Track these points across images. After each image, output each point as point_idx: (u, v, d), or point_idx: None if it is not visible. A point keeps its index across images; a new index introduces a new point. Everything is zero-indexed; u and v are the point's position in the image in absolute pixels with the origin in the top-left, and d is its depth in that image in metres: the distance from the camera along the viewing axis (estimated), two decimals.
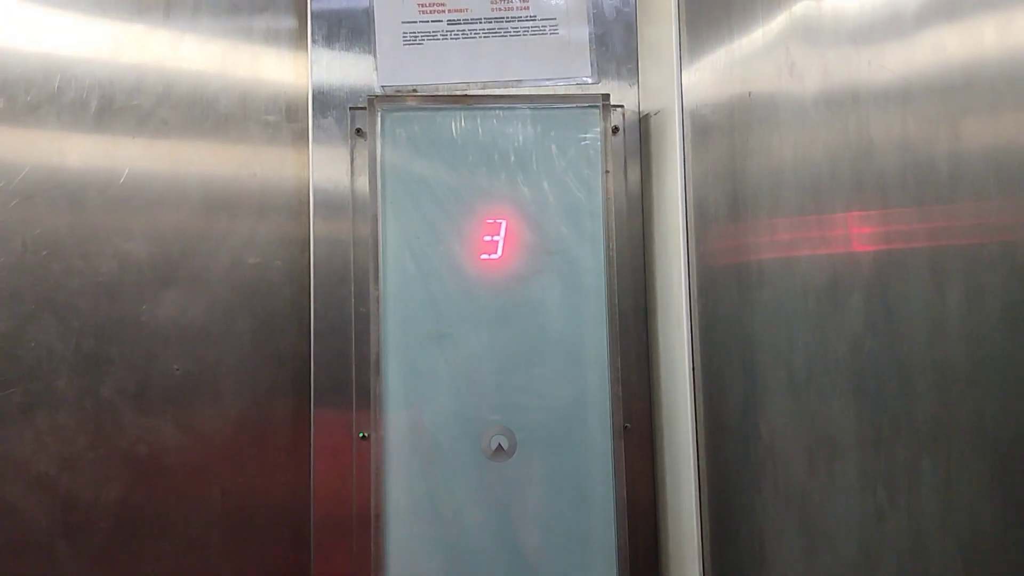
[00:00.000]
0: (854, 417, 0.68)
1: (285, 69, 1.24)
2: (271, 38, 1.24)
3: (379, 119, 1.15)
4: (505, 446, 1.13)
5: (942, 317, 0.57)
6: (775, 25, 0.86)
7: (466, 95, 1.19)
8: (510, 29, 1.22)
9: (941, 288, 0.57)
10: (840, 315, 0.70)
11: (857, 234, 0.69)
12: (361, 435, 1.15)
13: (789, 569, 0.82)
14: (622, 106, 1.22)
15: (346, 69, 1.21)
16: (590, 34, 1.23)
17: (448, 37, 1.22)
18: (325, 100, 1.21)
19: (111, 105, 1.20)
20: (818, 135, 0.75)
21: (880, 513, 0.64)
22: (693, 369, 1.08)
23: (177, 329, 1.19)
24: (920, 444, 0.59)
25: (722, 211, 0.99)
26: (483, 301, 1.15)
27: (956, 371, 0.56)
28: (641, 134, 1.22)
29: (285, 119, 1.24)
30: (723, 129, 0.99)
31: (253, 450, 1.20)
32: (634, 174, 1.22)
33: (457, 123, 1.16)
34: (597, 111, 1.16)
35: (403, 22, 1.21)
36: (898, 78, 0.63)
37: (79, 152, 1.19)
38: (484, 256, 1.15)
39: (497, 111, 1.17)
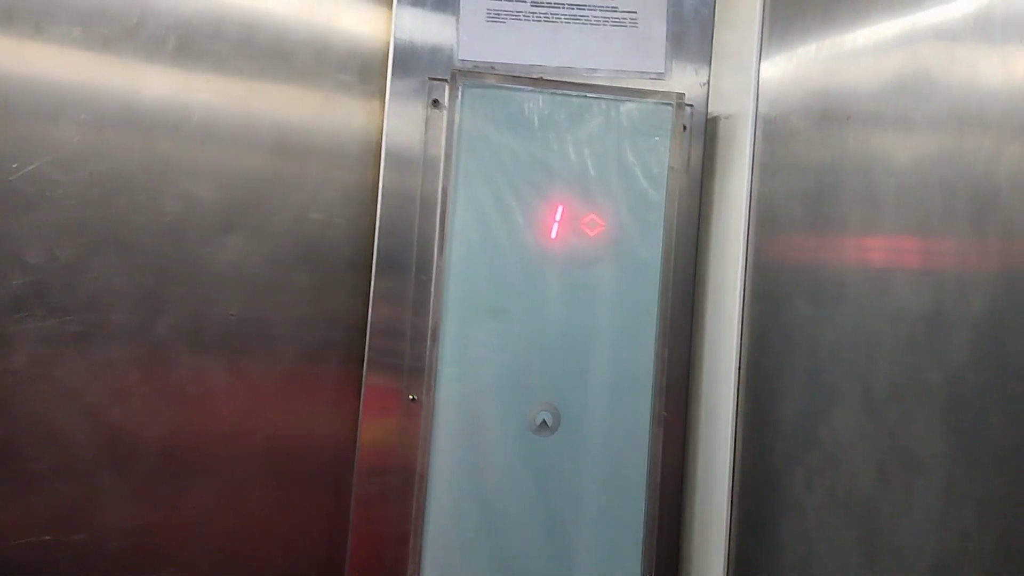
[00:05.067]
0: (941, 443, 0.74)
1: (364, 28, 1.25)
2: None
3: (460, 93, 1.17)
4: (550, 422, 1.18)
5: None
6: (883, 34, 0.90)
7: (543, 79, 1.22)
8: (591, 17, 1.25)
9: None
10: (939, 343, 0.75)
11: (970, 265, 0.74)
12: (411, 398, 1.19)
13: (843, 567, 0.88)
14: (692, 105, 1.25)
15: (426, 35, 1.23)
16: (667, 31, 1.26)
17: (531, 19, 1.24)
18: (404, 66, 1.22)
19: (188, 46, 1.20)
20: (932, 163, 0.80)
21: (961, 535, 0.70)
22: (739, 368, 1.13)
23: (236, 275, 1.21)
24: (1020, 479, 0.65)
25: (796, 222, 1.04)
26: (541, 281, 1.19)
27: None
28: (707, 135, 1.26)
29: (359, 80, 1.25)
30: (807, 141, 1.03)
31: (302, 401, 1.23)
32: (695, 172, 1.26)
33: (533, 104, 1.19)
34: (671, 109, 1.20)
35: None
36: None
37: (152, 88, 1.20)
38: (546, 238, 1.19)
39: (573, 97, 1.19)
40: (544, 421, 1.18)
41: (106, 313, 1.17)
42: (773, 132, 1.12)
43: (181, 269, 1.20)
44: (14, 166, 1.14)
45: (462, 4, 1.23)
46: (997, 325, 0.70)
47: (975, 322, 0.72)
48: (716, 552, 1.14)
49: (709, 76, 1.27)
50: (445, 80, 1.19)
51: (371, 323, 1.21)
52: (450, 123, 1.17)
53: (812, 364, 0.97)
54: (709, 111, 1.26)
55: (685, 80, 1.27)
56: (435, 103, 1.21)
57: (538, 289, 1.19)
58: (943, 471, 0.74)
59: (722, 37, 1.26)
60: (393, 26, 1.22)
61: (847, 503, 0.89)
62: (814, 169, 1.02)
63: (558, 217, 1.19)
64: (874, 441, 0.84)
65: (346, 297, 1.24)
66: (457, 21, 1.23)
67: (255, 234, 1.22)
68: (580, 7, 1.25)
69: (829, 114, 1.00)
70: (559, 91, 1.19)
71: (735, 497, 1.12)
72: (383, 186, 1.22)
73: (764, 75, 1.15)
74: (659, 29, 1.26)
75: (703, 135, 1.27)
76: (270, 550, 1.23)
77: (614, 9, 1.25)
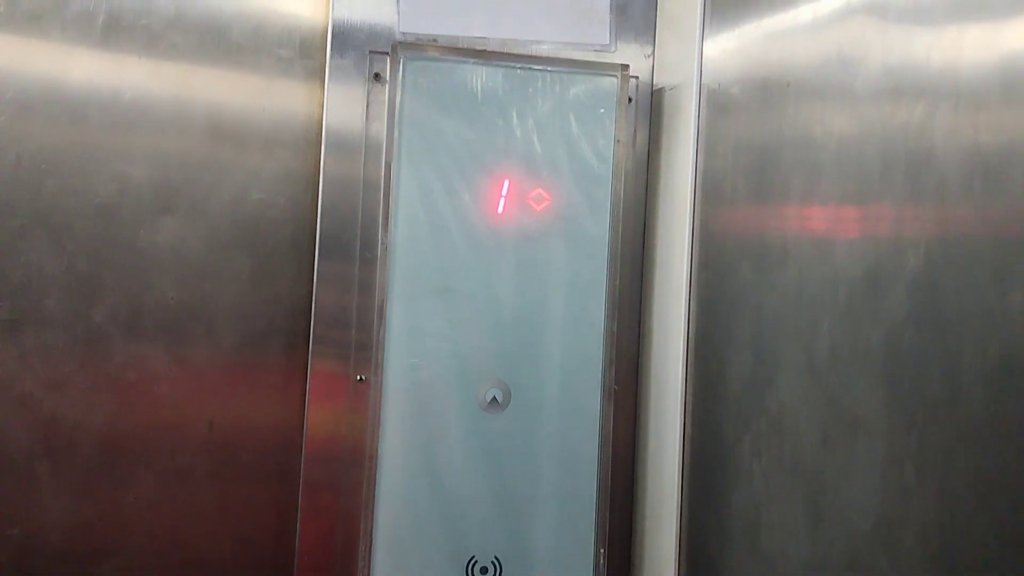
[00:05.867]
0: (882, 402, 0.74)
1: (303, 3, 1.22)
2: None
3: (401, 66, 1.14)
4: (500, 399, 1.17)
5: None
6: (822, 6, 0.90)
7: (487, 51, 1.20)
8: None
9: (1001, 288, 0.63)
10: (877, 304, 0.76)
11: (906, 227, 0.74)
12: (359, 378, 1.17)
13: (791, 531, 0.88)
14: (637, 77, 1.24)
15: (367, 10, 1.20)
16: (611, 2, 1.25)
17: None
18: (344, 40, 1.19)
19: (118, 22, 1.16)
20: (869, 130, 0.80)
21: (903, 493, 0.71)
22: (688, 340, 1.13)
23: (174, 257, 1.18)
24: (958, 437, 0.66)
25: (740, 192, 1.04)
26: (489, 258, 1.17)
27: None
28: (653, 107, 1.25)
29: (299, 55, 1.22)
30: (749, 111, 1.03)
31: (245, 386, 1.20)
32: (642, 145, 1.25)
33: (477, 77, 1.17)
34: (616, 80, 1.19)
35: None
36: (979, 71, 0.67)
37: (82, 68, 1.15)
38: (492, 213, 1.17)
39: (517, 69, 1.18)
40: (494, 398, 1.17)
41: (38, 299, 1.13)
42: (717, 103, 1.12)
43: (117, 252, 1.16)
44: None
45: None
46: (933, 284, 0.70)
47: (913, 282, 0.73)
48: (668, 522, 1.14)
49: (654, 48, 1.26)
50: (386, 53, 1.17)
51: (316, 304, 1.18)
52: (392, 97, 1.15)
53: (758, 331, 0.97)
54: (654, 82, 1.26)
55: (630, 52, 1.26)
56: (376, 77, 1.19)
57: (485, 265, 1.17)
58: (884, 430, 0.75)
59: (666, 8, 1.25)
60: (332, 2, 1.19)
61: (793, 467, 0.89)
62: (757, 138, 1.02)
63: (504, 192, 1.17)
64: (818, 404, 0.85)
65: (290, 278, 1.21)
66: None
67: (193, 215, 1.18)
68: None
69: (770, 83, 0.99)
70: (503, 63, 1.17)
71: (686, 467, 1.12)
72: (324, 164, 1.19)
73: (708, 46, 1.15)
74: (603, 0, 1.24)
75: (649, 107, 1.26)
76: (217, 541, 1.20)
77: None
